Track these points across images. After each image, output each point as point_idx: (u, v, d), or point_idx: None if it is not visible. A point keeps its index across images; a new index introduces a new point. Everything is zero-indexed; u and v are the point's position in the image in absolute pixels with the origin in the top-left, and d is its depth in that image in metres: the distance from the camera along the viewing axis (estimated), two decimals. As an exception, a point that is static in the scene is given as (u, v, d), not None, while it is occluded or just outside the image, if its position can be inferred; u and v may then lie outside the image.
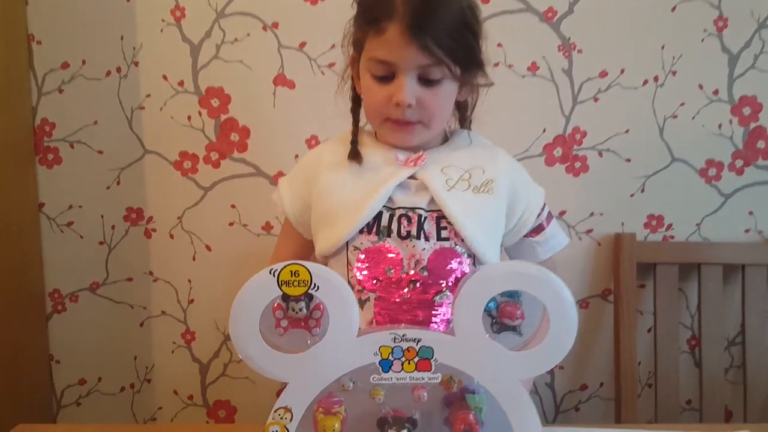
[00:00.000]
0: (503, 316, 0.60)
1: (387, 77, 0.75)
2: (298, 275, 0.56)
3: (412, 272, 0.73)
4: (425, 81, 0.75)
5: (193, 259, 1.25)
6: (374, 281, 0.73)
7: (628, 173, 1.24)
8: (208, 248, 1.25)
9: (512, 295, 0.60)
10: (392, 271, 0.73)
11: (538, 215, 0.84)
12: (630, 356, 1.22)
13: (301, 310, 0.58)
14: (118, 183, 1.23)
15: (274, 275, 0.56)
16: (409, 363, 0.59)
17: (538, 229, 0.85)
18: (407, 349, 0.58)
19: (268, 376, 0.58)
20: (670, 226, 1.26)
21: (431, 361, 0.59)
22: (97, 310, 1.27)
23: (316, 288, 0.57)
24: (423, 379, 0.59)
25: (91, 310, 1.27)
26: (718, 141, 1.23)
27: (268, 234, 1.24)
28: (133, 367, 1.29)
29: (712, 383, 1.22)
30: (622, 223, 1.26)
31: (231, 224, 1.24)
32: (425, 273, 0.73)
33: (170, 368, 1.29)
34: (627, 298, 1.22)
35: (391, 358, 0.58)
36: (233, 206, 1.24)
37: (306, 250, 0.86)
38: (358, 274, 0.74)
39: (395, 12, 0.72)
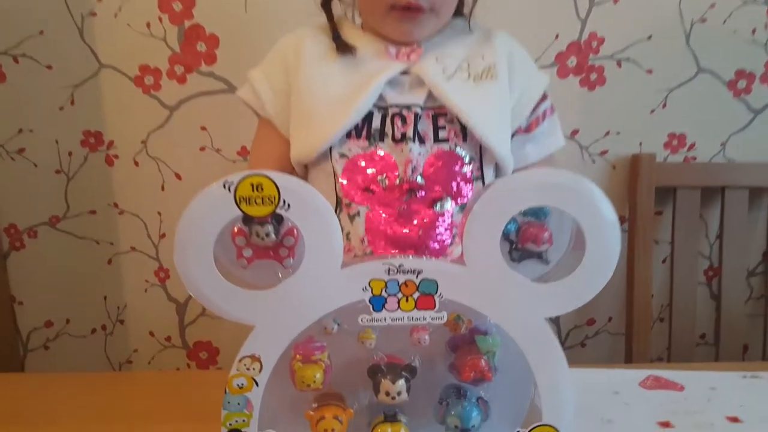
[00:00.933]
0: (526, 239, 0.47)
1: None
2: (262, 190, 0.43)
3: (408, 179, 0.61)
4: None
5: (162, 188, 1.12)
6: (364, 192, 0.61)
7: (649, 86, 1.11)
8: (178, 177, 1.12)
9: (537, 214, 0.47)
10: (386, 180, 0.61)
11: (536, 107, 0.72)
12: (644, 289, 1.13)
13: (267, 235, 0.45)
14: (72, 103, 1.09)
15: (229, 190, 0.43)
16: (407, 300, 0.46)
17: (532, 125, 0.73)
18: (405, 282, 0.46)
19: (229, 318, 0.46)
20: (692, 146, 1.14)
21: (435, 297, 0.46)
22: (59, 247, 1.16)
23: (285, 206, 0.44)
24: (424, 319, 0.47)
25: (53, 247, 1.16)
26: (750, 49, 1.10)
27: (245, 160, 1.10)
28: (103, 307, 1.20)
29: (729, 316, 1.14)
30: (640, 143, 1.13)
31: (202, 149, 1.11)
32: (422, 180, 0.61)
33: (144, 308, 1.20)
34: (643, 226, 1.12)
35: (384, 294, 0.46)
36: (203, 128, 1.10)
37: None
38: (345, 184, 0.62)
39: None
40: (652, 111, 1.12)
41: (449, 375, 0.52)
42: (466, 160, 0.65)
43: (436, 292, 0.46)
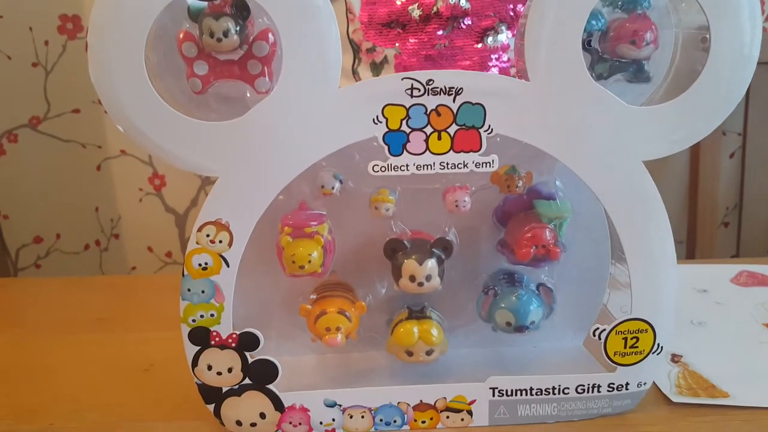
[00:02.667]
0: (619, 40, 0.31)
1: None
2: (214, -41, 0.27)
3: (448, 4, 0.44)
4: None
5: (152, 80, 0.98)
6: (391, 30, 0.45)
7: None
8: (170, 65, 0.97)
9: (634, 3, 0.31)
10: (418, 8, 0.45)
11: None
12: (712, 187, 0.98)
13: (226, 35, 0.30)
14: (44, -18, 0.93)
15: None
16: (439, 137, 0.31)
17: None
18: (437, 109, 0.31)
19: (182, 165, 0.31)
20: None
21: (479, 131, 0.31)
22: (42, 151, 1.04)
23: (253, -10, 0.28)
24: (465, 165, 0.32)
25: (35, 152, 1.04)
26: None
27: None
28: (95, 219, 1.08)
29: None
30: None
31: (195, 32, 0.95)
32: (467, 4, 0.44)
33: (140, 220, 1.08)
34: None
35: (405, 127, 0.31)
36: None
37: None
38: (365, 21, 0.46)
39: None
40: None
41: (498, 255, 0.37)
42: None
43: (483, 124, 0.31)
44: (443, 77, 0.30)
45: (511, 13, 0.44)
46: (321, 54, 0.30)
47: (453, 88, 0.30)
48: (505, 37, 0.44)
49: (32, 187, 1.06)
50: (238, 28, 0.30)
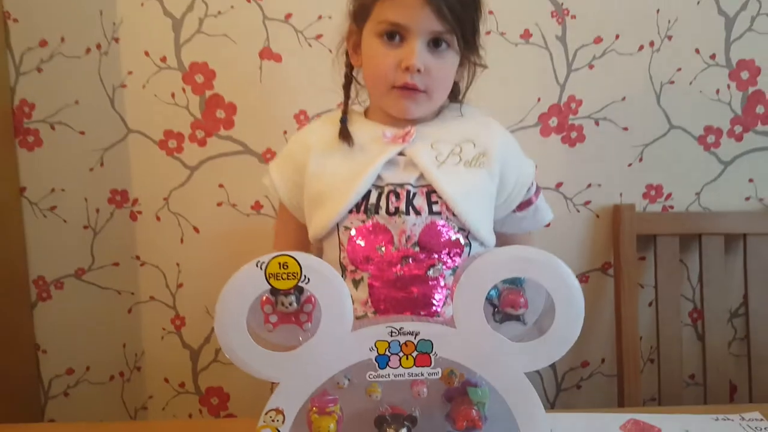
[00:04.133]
0: (506, 304, 0.56)
1: (396, 37, 0.74)
2: (287, 267, 0.52)
3: (403, 248, 0.71)
4: (434, 48, 0.75)
5: (181, 241, 1.22)
6: (366, 260, 0.72)
7: (626, 142, 1.21)
8: (196, 230, 1.21)
9: (515, 282, 0.57)
10: (383, 248, 0.71)
11: (528, 189, 0.83)
12: (631, 331, 1.19)
13: (291, 304, 0.54)
14: (102, 164, 1.19)
15: (261, 268, 0.52)
16: (407, 358, 0.55)
17: (526, 204, 0.84)
18: (405, 343, 0.55)
19: (259, 376, 0.55)
20: (669, 196, 1.23)
21: (431, 355, 0.56)
22: (84, 297, 1.24)
23: (306, 280, 0.53)
24: (422, 374, 0.56)
25: (78, 297, 1.24)
26: (716, 107, 1.20)
27: (258, 214, 1.20)
28: (122, 354, 1.27)
29: (715, 357, 1.20)
30: (621, 194, 1.23)
31: (219, 204, 1.20)
32: (417, 248, 0.71)
33: (160, 355, 1.26)
34: (627, 272, 1.20)
35: (387, 353, 0.55)
36: (221, 186, 1.20)
37: (305, 233, 0.83)
38: (350, 254, 0.72)
39: None
40: (630, 164, 1.22)
41: (446, 423, 0.60)
42: (456, 230, 0.74)
43: (432, 351, 0.56)
44: (409, 326, 0.55)
45: (446, 256, 0.71)
46: (341, 313, 0.55)
47: (414, 332, 0.55)
48: (441, 269, 0.71)
49: (70, 325, 1.24)
50: (296, 299, 0.54)
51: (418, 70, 0.73)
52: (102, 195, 1.20)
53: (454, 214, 0.74)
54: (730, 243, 1.22)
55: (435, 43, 0.75)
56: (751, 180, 1.23)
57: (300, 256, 0.53)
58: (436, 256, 0.72)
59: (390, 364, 0.55)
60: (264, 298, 0.55)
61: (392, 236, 0.73)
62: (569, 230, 1.23)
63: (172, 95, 1.16)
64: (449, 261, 0.73)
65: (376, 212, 0.74)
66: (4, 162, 1.15)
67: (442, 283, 0.72)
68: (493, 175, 0.78)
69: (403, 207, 0.74)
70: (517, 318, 0.57)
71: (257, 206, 1.20)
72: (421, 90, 0.75)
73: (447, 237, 0.73)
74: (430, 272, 0.71)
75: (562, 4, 1.14)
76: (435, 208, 0.74)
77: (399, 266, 0.72)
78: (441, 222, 0.74)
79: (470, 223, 0.74)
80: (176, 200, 1.20)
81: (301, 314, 0.55)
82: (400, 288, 0.71)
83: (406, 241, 0.73)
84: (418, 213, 0.74)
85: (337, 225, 0.75)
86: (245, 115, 1.17)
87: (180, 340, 1.26)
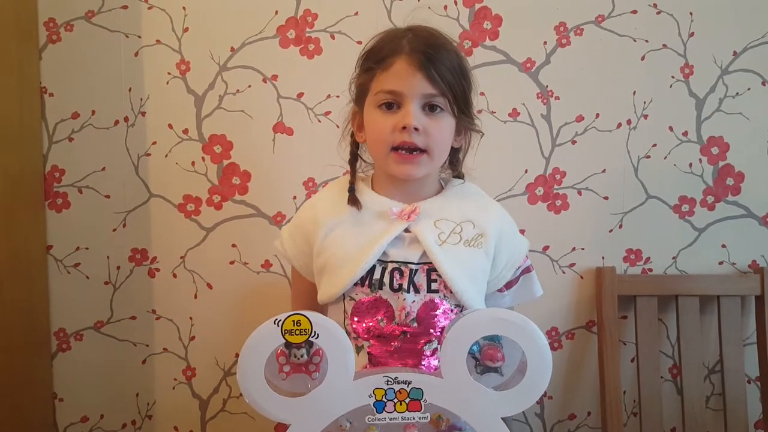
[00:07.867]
0: (486, 358, 0.66)
1: (394, 106, 0.81)
2: (300, 324, 0.62)
3: (402, 323, 0.79)
4: (429, 112, 0.81)
5: (195, 297, 1.30)
6: (368, 331, 0.79)
7: (606, 210, 1.31)
8: (210, 286, 1.30)
9: (493, 339, 0.66)
10: (384, 322, 0.79)
11: (518, 268, 0.90)
12: (614, 386, 1.26)
13: (302, 356, 0.64)
14: (124, 225, 1.29)
15: (278, 325, 0.62)
16: (401, 404, 0.64)
17: (510, 284, 0.90)
18: (399, 390, 0.64)
19: (273, 418, 0.64)
20: (648, 260, 1.32)
21: (421, 401, 0.65)
22: (101, 348, 1.31)
23: (316, 336, 0.63)
24: (414, 418, 0.65)
25: (95, 349, 1.31)
26: (689, 179, 1.31)
27: (268, 272, 1.29)
28: (134, 403, 1.33)
29: (694, 411, 1.26)
30: (603, 258, 1.32)
31: (232, 263, 1.30)
32: (414, 324, 0.80)
33: (171, 404, 1.32)
34: (609, 329, 1.27)
35: (384, 399, 0.64)
36: (234, 245, 1.29)
37: (316, 292, 0.89)
38: (353, 323, 0.80)
39: (402, 49, 0.80)
40: (611, 230, 1.32)
41: (434, 462, 0.69)
42: (452, 307, 0.81)
43: (422, 398, 0.65)
44: (402, 375, 0.64)
45: (439, 332, 0.79)
46: (345, 364, 0.64)
47: (407, 380, 0.64)
48: (435, 346, 0.79)
49: (87, 375, 1.30)
50: (307, 352, 0.64)
51: (416, 129, 0.78)
52: (123, 253, 1.30)
53: (451, 292, 0.80)
54: (705, 304, 1.30)
55: (431, 108, 0.80)
56: (723, 246, 1.33)
57: (311, 315, 0.63)
58: (432, 332, 0.80)
59: (386, 408, 0.64)
60: (279, 350, 0.65)
61: (393, 311, 0.80)
62: (556, 290, 1.31)
63: (192, 163, 1.27)
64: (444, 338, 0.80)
65: (380, 287, 0.80)
66: (33, 221, 1.25)
67: (433, 358, 0.79)
68: (489, 255, 0.84)
69: (405, 284, 0.80)
70: (496, 370, 0.66)
71: (267, 265, 1.29)
72: (421, 148, 0.80)
73: (443, 315, 0.80)
74: (426, 348, 0.79)
75: (547, 86, 1.27)
76: (434, 285, 0.80)
77: (397, 340, 0.79)
78: (439, 300, 0.80)
79: (466, 300, 0.80)
80: (192, 259, 1.30)
81: (310, 364, 0.65)
82: (397, 359, 0.79)
83: (405, 317, 0.80)
84: (417, 291, 0.80)
85: (344, 295, 0.82)
86: (258, 182, 1.28)
87: (190, 390, 1.32)
